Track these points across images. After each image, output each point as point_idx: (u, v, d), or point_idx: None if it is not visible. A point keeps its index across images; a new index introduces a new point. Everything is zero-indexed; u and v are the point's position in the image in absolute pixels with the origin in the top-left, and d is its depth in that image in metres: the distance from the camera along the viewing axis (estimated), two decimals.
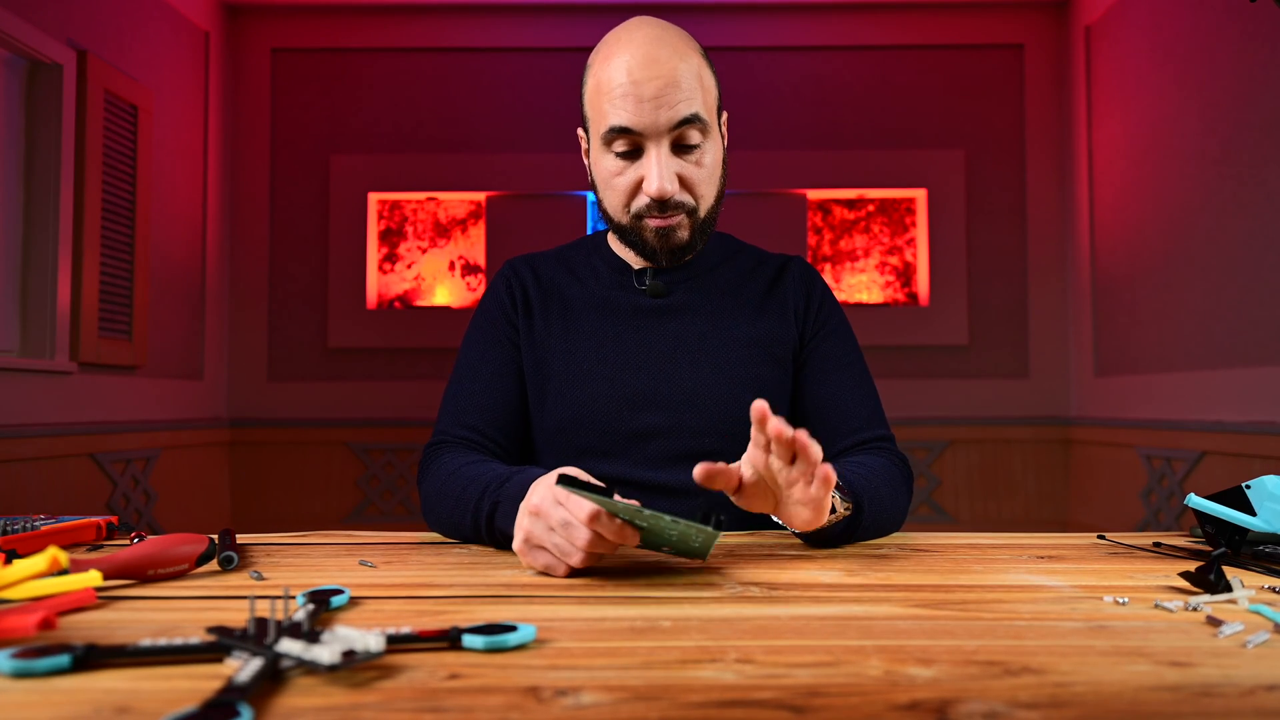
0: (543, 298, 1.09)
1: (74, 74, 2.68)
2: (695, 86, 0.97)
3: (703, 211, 1.02)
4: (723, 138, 1.05)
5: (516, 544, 0.74)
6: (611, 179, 1.00)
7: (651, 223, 1.00)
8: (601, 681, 0.44)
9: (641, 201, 0.99)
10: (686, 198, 0.99)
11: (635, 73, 0.94)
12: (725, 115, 1.06)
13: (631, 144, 0.97)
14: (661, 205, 0.98)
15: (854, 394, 1.06)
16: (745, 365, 1.04)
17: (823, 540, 0.85)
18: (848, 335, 1.11)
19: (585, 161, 1.08)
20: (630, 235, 1.03)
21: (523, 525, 0.74)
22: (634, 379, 1.03)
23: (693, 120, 0.96)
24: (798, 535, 0.86)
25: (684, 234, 1.01)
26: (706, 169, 1.00)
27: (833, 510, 0.80)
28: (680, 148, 0.98)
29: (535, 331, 1.07)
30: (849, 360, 1.08)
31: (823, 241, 3.72)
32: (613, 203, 1.02)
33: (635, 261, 1.09)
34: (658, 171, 0.96)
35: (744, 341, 1.05)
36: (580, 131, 1.07)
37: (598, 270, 1.10)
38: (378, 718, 0.40)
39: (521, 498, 0.80)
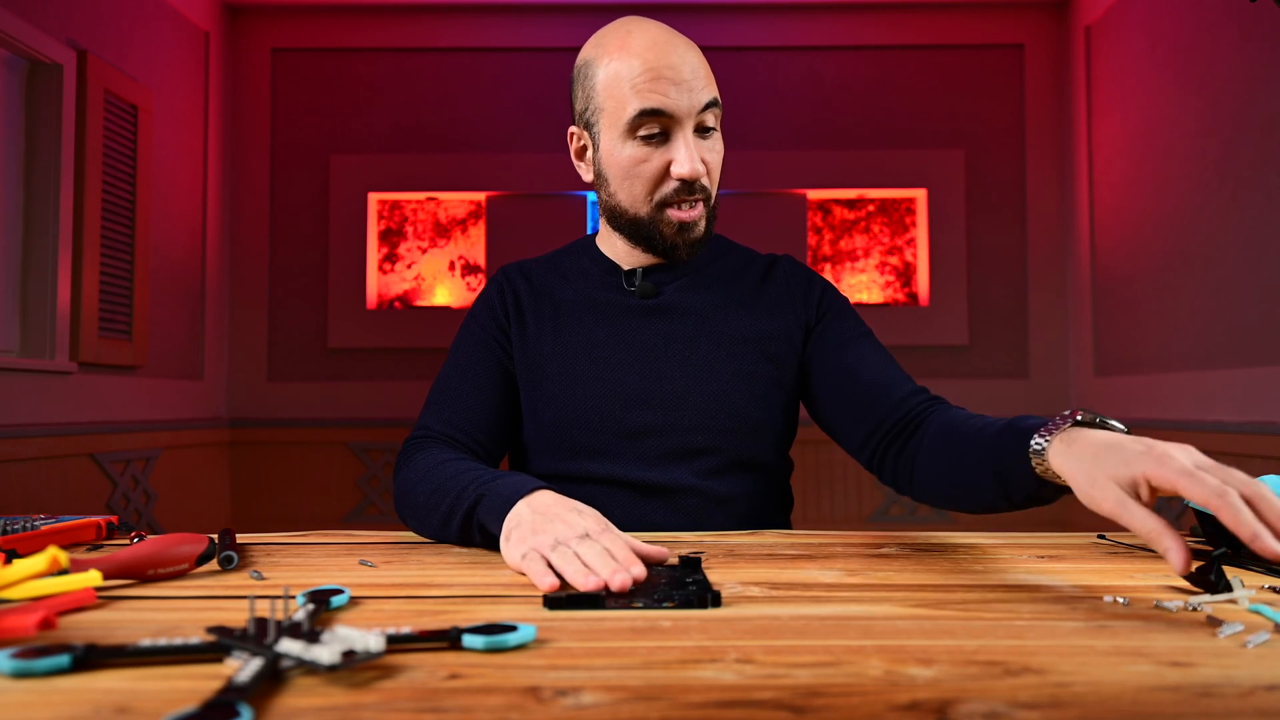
0: (534, 301, 1.09)
1: (74, 74, 2.68)
2: (711, 74, 1.00)
3: (713, 199, 1.03)
4: None
5: (539, 544, 0.72)
6: (636, 166, 0.99)
7: (675, 214, 1.00)
8: (601, 681, 0.44)
9: (669, 187, 0.99)
10: (707, 182, 1.00)
11: (664, 57, 0.96)
12: None
13: (661, 127, 0.97)
14: (689, 188, 0.99)
15: (878, 359, 1.05)
16: (736, 362, 1.04)
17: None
18: (852, 313, 1.10)
19: (578, 163, 1.07)
20: (648, 228, 1.02)
21: (548, 528, 0.73)
22: (626, 378, 1.03)
23: (715, 104, 0.99)
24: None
25: (703, 226, 1.02)
26: (718, 155, 1.02)
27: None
28: (701, 132, 0.99)
29: (528, 335, 1.07)
30: (861, 332, 1.08)
31: (823, 241, 3.72)
32: (634, 193, 1.01)
33: (625, 261, 1.09)
34: (688, 153, 0.96)
35: (735, 339, 1.05)
36: (574, 130, 1.06)
37: (587, 272, 1.10)
38: (378, 718, 0.40)
39: (512, 496, 0.80)
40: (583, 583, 0.64)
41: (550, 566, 0.69)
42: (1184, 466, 0.60)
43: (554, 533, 0.72)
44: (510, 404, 1.08)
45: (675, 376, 1.03)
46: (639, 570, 0.66)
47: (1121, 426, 0.71)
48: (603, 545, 0.69)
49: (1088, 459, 0.66)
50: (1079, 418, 0.71)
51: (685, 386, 1.03)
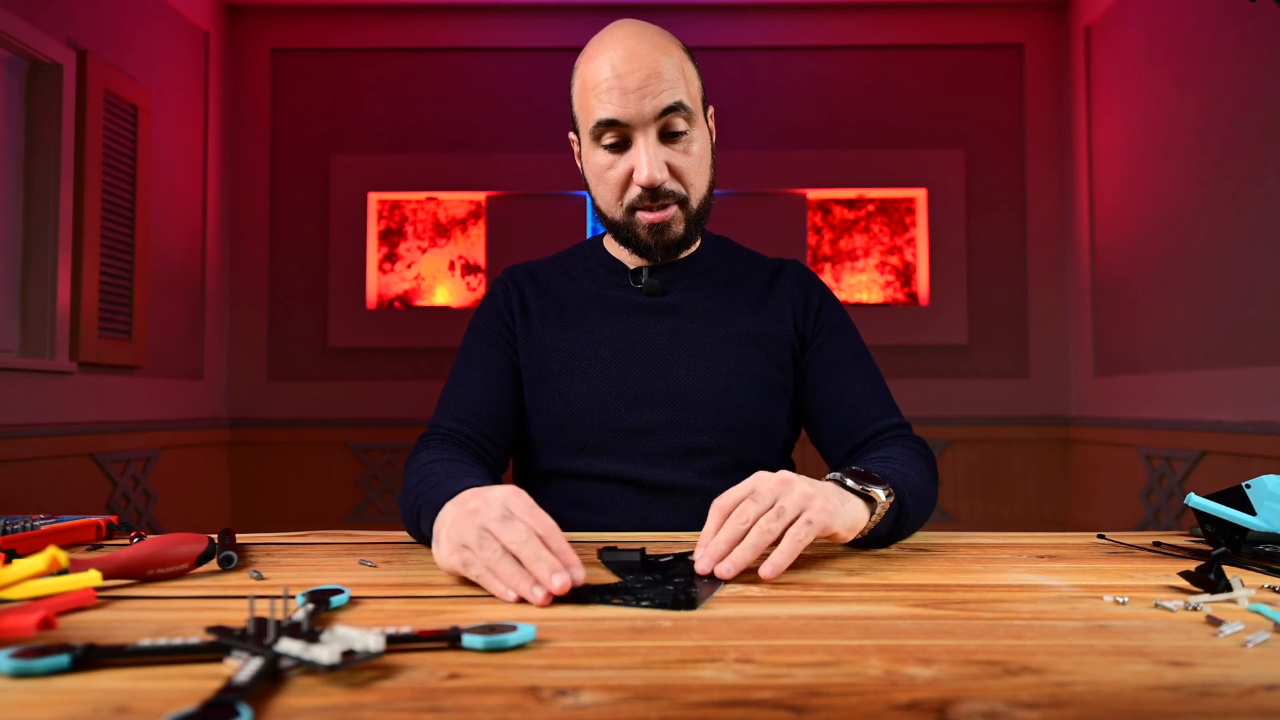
0: (540, 299, 1.10)
1: (74, 74, 2.68)
2: (678, 77, 0.99)
3: (694, 201, 1.03)
4: (711, 132, 1.06)
5: (444, 553, 0.67)
6: (603, 173, 1.01)
7: (645, 217, 1.01)
8: (601, 681, 0.44)
9: (634, 193, 1.00)
10: (677, 186, 1.00)
11: (619, 66, 0.96)
12: (711, 109, 1.07)
13: (620, 136, 0.98)
14: (653, 194, 0.99)
15: (864, 387, 1.06)
16: (741, 362, 1.05)
17: (870, 542, 0.83)
18: (851, 331, 1.11)
19: (579, 164, 1.09)
20: (624, 231, 1.03)
21: (456, 526, 0.67)
22: (631, 375, 1.03)
23: (677, 108, 0.98)
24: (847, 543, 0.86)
25: (679, 228, 1.02)
26: (695, 157, 1.01)
27: (873, 509, 0.79)
28: (668, 136, 0.99)
29: (533, 332, 1.08)
30: (855, 354, 1.08)
31: (823, 241, 3.72)
32: (606, 198, 1.03)
33: (631, 261, 1.10)
34: (646, 159, 0.97)
35: (740, 339, 1.06)
36: (571, 135, 1.09)
37: (594, 271, 1.11)
38: (377, 718, 0.40)
39: (440, 500, 0.75)
40: (528, 593, 0.60)
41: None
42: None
43: (477, 518, 0.66)
44: (518, 399, 1.08)
45: (681, 375, 1.03)
46: (579, 573, 0.62)
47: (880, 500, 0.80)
48: (533, 530, 0.64)
49: None
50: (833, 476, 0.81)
51: (691, 385, 1.03)
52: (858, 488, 0.78)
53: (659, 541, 0.90)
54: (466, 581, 0.69)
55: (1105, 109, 3.34)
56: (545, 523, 0.65)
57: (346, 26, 3.64)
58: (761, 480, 0.73)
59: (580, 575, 0.62)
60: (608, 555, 0.72)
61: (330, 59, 3.67)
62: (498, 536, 0.64)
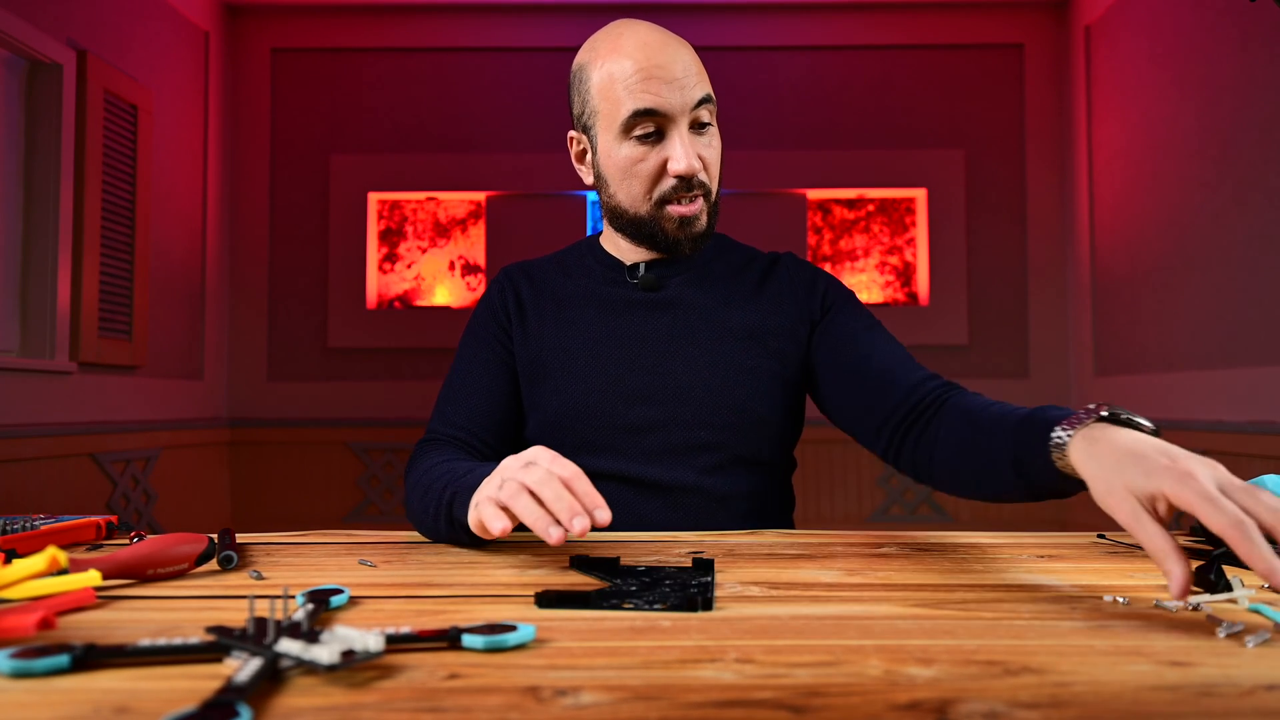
0: (535, 297, 1.09)
1: (74, 74, 2.68)
2: (703, 71, 1.01)
3: (714, 195, 1.04)
4: None
5: (489, 491, 0.72)
6: (633, 166, 1.00)
7: (676, 210, 1.01)
8: (601, 681, 0.44)
9: (667, 185, 1.00)
10: (706, 178, 1.01)
11: (654, 57, 0.97)
12: None
13: (655, 126, 0.98)
14: (687, 185, 0.99)
15: (888, 350, 1.03)
16: (739, 357, 1.04)
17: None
18: (859, 304, 1.09)
19: (579, 166, 1.08)
20: (650, 226, 1.03)
21: (505, 469, 0.72)
22: (628, 372, 1.03)
23: (708, 100, 0.99)
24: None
25: (704, 220, 1.03)
26: (716, 151, 1.03)
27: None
28: (695, 129, 1.00)
29: (529, 330, 1.07)
30: (869, 323, 1.06)
31: (823, 241, 3.72)
32: (634, 192, 1.01)
33: (628, 257, 1.09)
34: (683, 150, 0.97)
35: (737, 334, 1.05)
36: (574, 134, 1.07)
37: (590, 268, 1.11)
38: (377, 718, 0.40)
39: (476, 484, 0.79)
40: (544, 532, 0.64)
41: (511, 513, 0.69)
42: (1205, 490, 0.56)
43: (501, 473, 0.72)
44: (515, 402, 1.08)
45: (678, 371, 1.03)
46: (604, 515, 0.65)
47: (1149, 425, 0.68)
48: (552, 471, 0.68)
49: (1108, 465, 0.64)
50: (1104, 413, 0.69)
51: (688, 381, 1.03)
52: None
53: (656, 541, 0.90)
54: (467, 581, 0.69)
55: (1105, 109, 3.34)
56: (569, 468, 0.68)
57: (346, 26, 3.65)
58: (1212, 470, 0.60)
59: (605, 517, 0.65)
60: (583, 563, 0.72)
61: (330, 59, 3.67)
62: (522, 481, 0.68)
